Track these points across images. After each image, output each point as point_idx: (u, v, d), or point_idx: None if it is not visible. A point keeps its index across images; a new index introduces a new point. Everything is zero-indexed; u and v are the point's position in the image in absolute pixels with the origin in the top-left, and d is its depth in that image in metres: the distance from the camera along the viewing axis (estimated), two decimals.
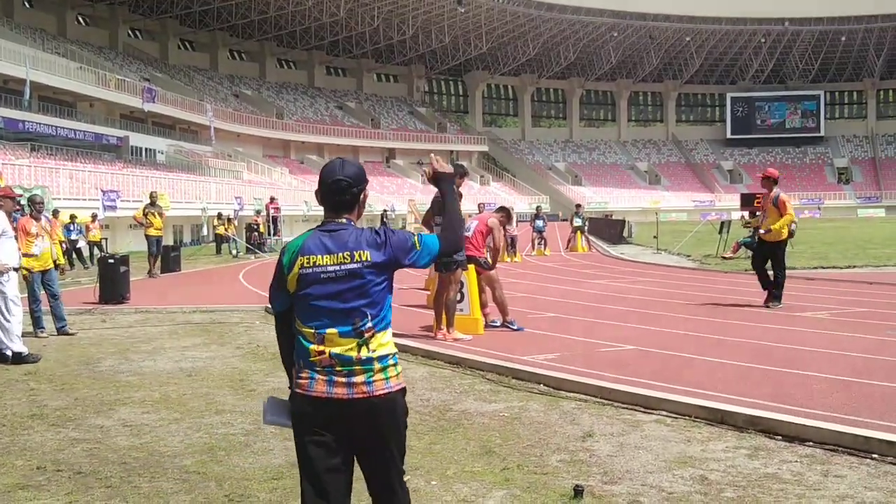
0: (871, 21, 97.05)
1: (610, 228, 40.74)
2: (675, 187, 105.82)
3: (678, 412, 6.53)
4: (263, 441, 6.03)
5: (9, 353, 9.49)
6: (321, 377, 3.14)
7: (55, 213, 25.29)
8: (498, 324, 11.07)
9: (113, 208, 32.50)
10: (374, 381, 3.15)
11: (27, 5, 63.31)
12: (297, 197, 57.56)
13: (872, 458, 5.34)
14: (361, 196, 3.33)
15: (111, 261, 15.92)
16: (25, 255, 10.94)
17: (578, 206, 34.08)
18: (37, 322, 11.46)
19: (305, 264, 3.18)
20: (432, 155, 3.63)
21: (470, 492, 4.90)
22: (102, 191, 33.33)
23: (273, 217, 37.20)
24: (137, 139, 53.13)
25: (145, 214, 21.49)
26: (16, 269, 10.13)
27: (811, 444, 5.66)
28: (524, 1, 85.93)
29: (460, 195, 10.36)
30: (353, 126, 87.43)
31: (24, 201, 15.32)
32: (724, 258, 22.99)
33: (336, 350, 3.14)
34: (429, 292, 13.40)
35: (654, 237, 30.81)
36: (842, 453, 5.47)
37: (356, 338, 3.15)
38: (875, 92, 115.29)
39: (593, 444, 5.83)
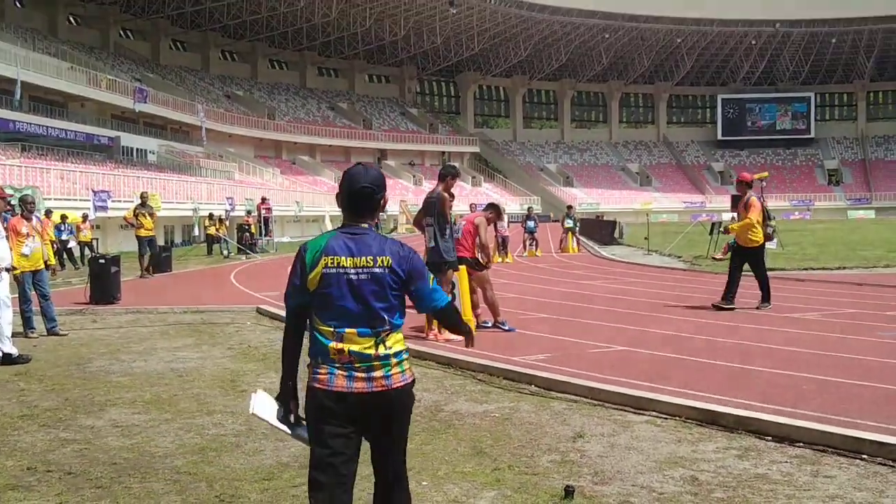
0: (861, 23, 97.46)
1: (601, 229, 40.80)
2: (665, 188, 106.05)
3: (669, 413, 6.54)
4: (254, 442, 6.03)
5: None
6: (341, 372, 3.27)
7: (48, 213, 25.23)
8: (489, 324, 11.07)
9: (104, 209, 32.43)
10: (391, 375, 3.33)
11: (18, 5, 63.09)
12: (289, 197, 57.52)
13: (862, 459, 5.36)
14: (382, 202, 3.47)
15: (102, 261, 15.88)
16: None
17: (570, 207, 34.12)
18: (27, 323, 11.42)
19: (329, 264, 3.30)
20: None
21: (461, 492, 4.91)
22: (93, 191, 33.25)
23: (264, 218, 37.18)
24: (129, 139, 52.98)
25: (136, 215, 21.40)
26: (8, 270, 10.10)
27: (801, 444, 5.68)
28: (516, 2, 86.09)
29: (452, 196, 10.40)
30: (344, 127, 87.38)
31: (14, 201, 15.28)
32: (715, 259, 22.86)
33: (355, 348, 3.28)
34: None
35: (646, 238, 30.85)
36: (831, 454, 5.49)
37: (374, 337, 3.30)
38: (865, 94, 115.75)
39: (584, 444, 5.84)
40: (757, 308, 12.67)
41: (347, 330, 3.27)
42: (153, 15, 73.97)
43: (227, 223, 36.35)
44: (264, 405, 3.46)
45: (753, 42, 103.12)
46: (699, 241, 29.01)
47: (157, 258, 22.16)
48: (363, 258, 3.30)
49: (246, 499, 4.86)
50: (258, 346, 10.51)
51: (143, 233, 21.35)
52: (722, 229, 15.24)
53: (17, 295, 11.08)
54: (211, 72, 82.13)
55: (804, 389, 7.12)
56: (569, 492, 4.74)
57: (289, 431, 3.50)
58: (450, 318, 3.63)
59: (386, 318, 3.31)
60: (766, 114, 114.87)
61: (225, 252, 32.76)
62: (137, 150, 53.35)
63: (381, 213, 3.54)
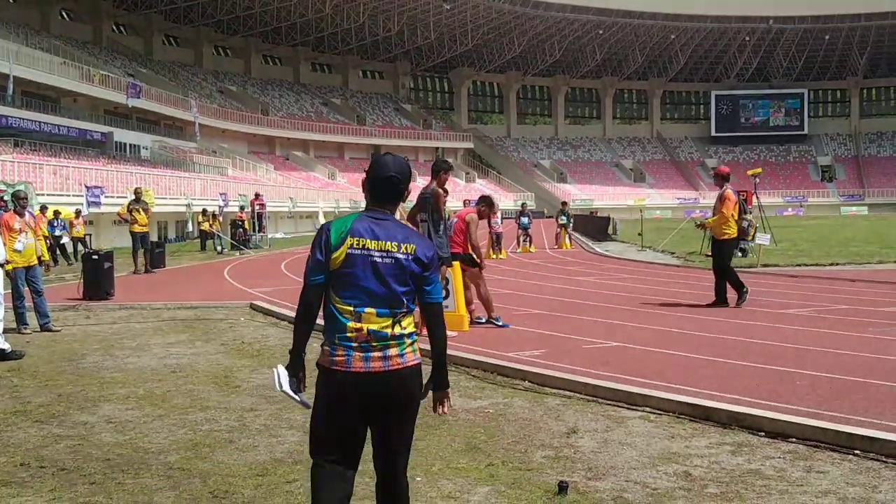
0: (854, 20, 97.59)
1: (595, 225, 40.84)
2: (659, 185, 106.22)
3: (662, 408, 6.55)
4: (248, 438, 6.02)
5: None
6: (358, 353, 3.39)
7: (42, 208, 25.15)
8: (483, 320, 11.08)
9: (97, 204, 32.36)
10: (405, 353, 3.46)
11: (10, 0, 62.86)
12: (282, 193, 57.44)
13: (855, 455, 5.37)
14: (406, 192, 3.62)
15: (95, 257, 15.85)
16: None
17: (564, 203, 34.16)
18: (20, 318, 11.40)
19: (355, 245, 3.41)
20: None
21: (455, 488, 4.91)
22: (86, 187, 33.18)
23: (258, 213, 37.13)
24: (122, 135, 52.91)
25: (130, 211, 21.35)
26: (2, 266, 10.07)
27: (794, 440, 5.69)
28: None
29: (445, 192, 10.40)
30: (338, 122, 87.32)
31: (7, 197, 15.24)
32: (708, 255, 23.02)
33: (373, 327, 3.40)
34: None
35: (639, 234, 30.91)
36: (824, 449, 5.50)
37: (391, 317, 3.42)
38: (858, 90, 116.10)
39: (578, 440, 5.85)
40: (708, 305, 12.47)
41: (367, 310, 3.39)
42: (146, 10, 73.86)
43: (221, 219, 36.28)
44: (285, 380, 3.57)
45: (747, 38, 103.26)
46: (693, 237, 29.05)
47: (150, 254, 22.12)
48: (388, 243, 3.43)
49: (240, 494, 4.85)
50: (252, 341, 10.50)
51: (137, 228, 21.31)
52: (697, 224, 15.13)
53: (9, 291, 11.06)
54: (204, 67, 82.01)
55: (797, 385, 7.13)
56: (562, 487, 4.74)
57: (301, 401, 3.60)
58: (437, 320, 3.63)
59: (404, 300, 3.44)
60: (759, 110, 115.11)
61: (218, 248, 32.70)
62: (130, 145, 53.28)
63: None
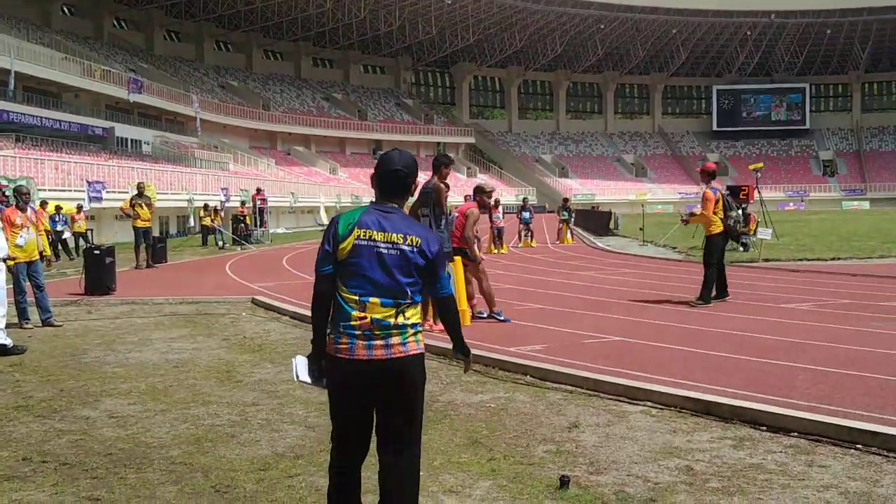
0: (856, 14, 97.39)
1: (597, 220, 40.80)
2: (661, 179, 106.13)
3: (664, 403, 6.56)
4: (250, 432, 6.03)
5: None
6: (361, 342, 3.50)
7: (43, 203, 25.16)
8: (485, 315, 11.08)
9: (99, 199, 32.30)
10: (408, 343, 3.56)
11: None
12: (284, 188, 57.41)
13: (856, 449, 5.38)
14: (413, 186, 3.74)
15: (97, 252, 15.85)
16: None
17: (566, 200, 34.15)
18: (22, 313, 11.41)
19: (362, 236, 3.54)
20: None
21: (457, 482, 4.92)
22: (88, 182, 33.13)
23: (259, 208, 37.11)
24: (123, 130, 52.87)
25: (132, 206, 21.37)
26: (3, 261, 10.08)
27: (795, 434, 5.70)
28: None
29: (447, 186, 10.39)
30: (339, 117, 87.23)
31: (9, 192, 15.24)
32: (684, 222, 22.94)
33: (377, 316, 3.51)
34: None
35: (640, 229, 30.88)
36: (826, 443, 5.50)
37: (395, 308, 3.53)
38: (860, 85, 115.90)
39: (579, 434, 5.85)
40: (690, 304, 12.26)
41: (372, 299, 3.50)
42: (147, 5, 73.77)
43: (223, 214, 36.28)
44: (303, 369, 3.69)
45: (749, 33, 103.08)
46: (694, 232, 29.03)
47: (152, 249, 22.12)
48: (394, 234, 3.54)
49: (241, 489, 4.86)
50: (253, 336, 10.51)
51: (139, 224, 21.32)
52: (682, 218, 15.06)
53: (12, 286, 11.06)
54: (205, 62, 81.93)
55: (799, 379, 7.14)
56: (564, 482, 4.75)
57: (322, 386, 3.69)
58: (449, 310, 3.79)
59: (408, 291, 3.54)
60: (761, 105, 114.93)
61: (220, 243, 32.70)
62: (132, 140, 53.24)
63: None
